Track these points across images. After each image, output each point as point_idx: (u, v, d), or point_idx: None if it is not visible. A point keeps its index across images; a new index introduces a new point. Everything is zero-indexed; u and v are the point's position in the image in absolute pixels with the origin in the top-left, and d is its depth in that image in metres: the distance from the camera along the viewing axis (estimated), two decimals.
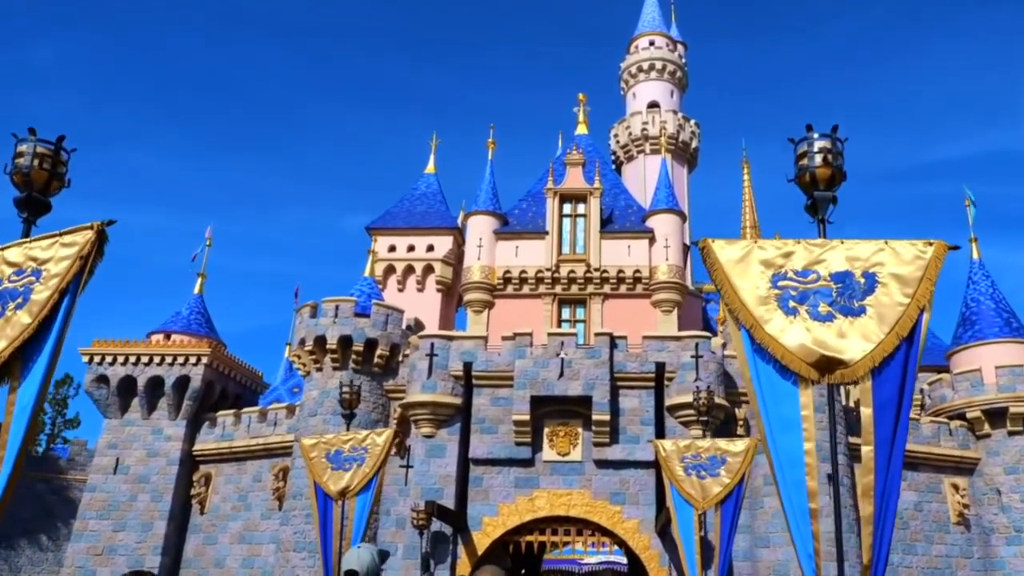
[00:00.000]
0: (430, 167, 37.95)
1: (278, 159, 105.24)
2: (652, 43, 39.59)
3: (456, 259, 33.29)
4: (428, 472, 23.63)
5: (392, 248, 33.83)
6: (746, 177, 40.36)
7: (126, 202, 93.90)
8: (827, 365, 6.06)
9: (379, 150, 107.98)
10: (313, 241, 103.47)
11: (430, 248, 33.87)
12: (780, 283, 6.42)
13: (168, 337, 30.34)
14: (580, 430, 23.92)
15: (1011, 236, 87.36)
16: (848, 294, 6.26)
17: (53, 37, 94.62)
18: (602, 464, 23.52)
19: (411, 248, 33.91)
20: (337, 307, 26.02)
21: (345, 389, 16.54)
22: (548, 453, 23.77)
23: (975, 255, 34.22)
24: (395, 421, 25.38)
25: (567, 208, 30.82)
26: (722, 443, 14.92)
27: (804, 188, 7.04)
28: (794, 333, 6.15)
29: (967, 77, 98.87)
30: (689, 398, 23.44)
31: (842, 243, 6.48)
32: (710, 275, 6.60)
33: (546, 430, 23.94)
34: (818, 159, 6.90)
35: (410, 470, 24.15)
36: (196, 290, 32.94)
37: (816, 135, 6.96)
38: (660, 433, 23.90)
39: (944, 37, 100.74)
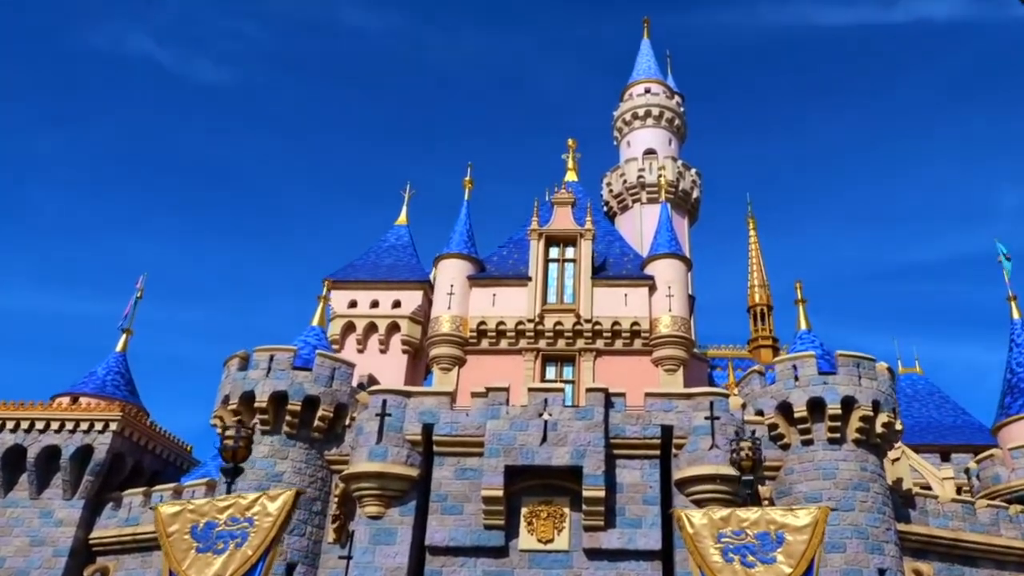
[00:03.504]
0: (402, 218, 33.84)
1: (262, 245, 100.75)
2: (648, 90, 36.32)
3: (426, 317, 28.63)
4: (372, 564, 18.39)
5: (353, 304, 29.17)
6: (752, 233, 36.47)
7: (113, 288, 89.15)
8: None
9: (360, 232, 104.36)
10: (295, 330, 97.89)
11: (396, 304, 29.18)
12: None
13: (75, 400, 25.34)
14: (567, 510, 18.93)
15: (991, 334, 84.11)
16: None
17: (53, 130, 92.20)
18: (594, 554, 18.42)
19: (375, 304, 29.23)
20: (272, 357, 21.30)
21: (228, 434, 11.74)
22: (526, 540, 18.68)
23: (1015, 315, 30.07)
24: (336, 500, 20.31)
25: (554, 252, 26.58)
26: (776, 513, 10.16)
27: None
28: None
29: (946, 181, 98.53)
30: (703, 470, 18.72)
31: None
32: None
33: (524, 510, 18.94)
34: None
35: (351, 562, 18.92)
36: (119, 348, 28.10)
37: None
38: (667, 515, 18.95)
39: (926, 141, 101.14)
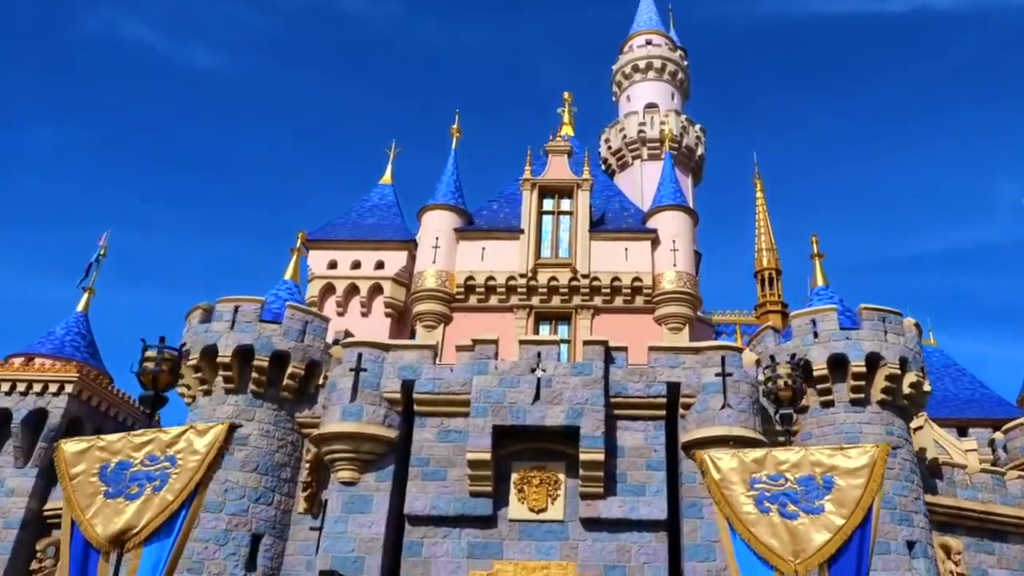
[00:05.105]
0: (386, 177, 31.76)
1: (255, 237, 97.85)
2: (649, 42, 34.27)
3: (410, 278, 26.66)
4: (344, 534, 16.47)
5: (332, 264, 27.11)
6: (759, 195, 34.52)
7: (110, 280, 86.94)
8: None
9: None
10: None
11: (379, 265, 27.10)
12: None
13: (30, 361, 23.33)
14: (562, 476, 17.02)
15: (997, 328, 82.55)
16: None
17: (49, 121, 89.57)
18: (592, 524, 16.51)
19: (356, 265, 27.15)
20: (237, 308, 19.28)
21: (149, 354, 9.79)
22: (517, 509, 16.76)
23: None
24: (307, 466, 18.36)
25: (548, 204, 24.62)
26: (823, 453, 8.21)
27: None
28: None
29: (945, 174, 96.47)
30: (714, 431, 16.81)
31: None
32: None
33: (514, 476, 17.02)
34: None
35: (322, 532, 17.00)
36: (80, 308, 26.09)
37: None
38: (673, 481, 17.10)
39: (924, 136, 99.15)
